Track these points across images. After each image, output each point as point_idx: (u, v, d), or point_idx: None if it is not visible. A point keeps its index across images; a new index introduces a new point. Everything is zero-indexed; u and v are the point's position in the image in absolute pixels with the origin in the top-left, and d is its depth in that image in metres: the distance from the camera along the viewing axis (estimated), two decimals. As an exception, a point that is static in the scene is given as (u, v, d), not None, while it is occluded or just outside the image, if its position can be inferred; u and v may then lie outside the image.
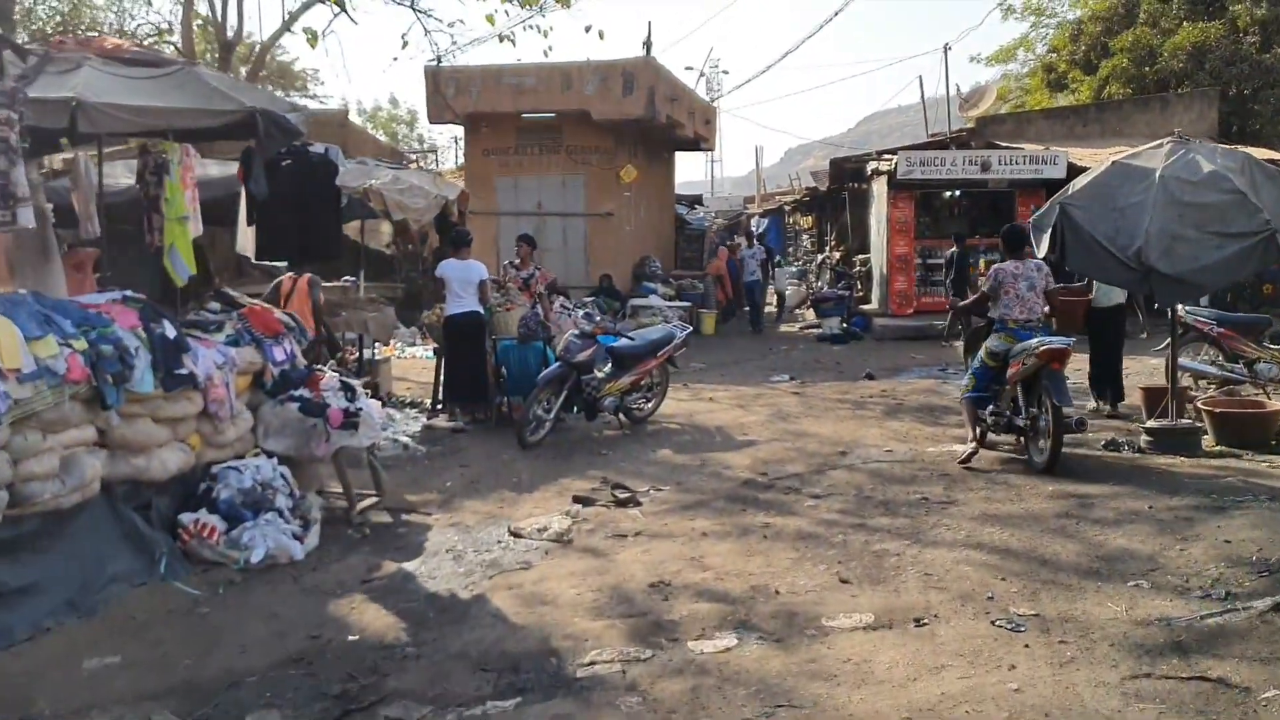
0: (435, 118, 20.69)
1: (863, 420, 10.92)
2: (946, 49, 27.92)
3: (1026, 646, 4.74)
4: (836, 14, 26.34)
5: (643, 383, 10.92)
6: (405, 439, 10.33)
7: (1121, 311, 10.26)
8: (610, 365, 10.68)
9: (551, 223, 20.94)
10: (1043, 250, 9.07)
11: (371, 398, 11.44)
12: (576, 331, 10.24)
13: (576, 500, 7.86)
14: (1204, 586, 5.36)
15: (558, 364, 10.13)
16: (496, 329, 11.54)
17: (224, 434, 7.17)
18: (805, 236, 34.66)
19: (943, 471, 8.43)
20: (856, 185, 24.90)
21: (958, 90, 27.79)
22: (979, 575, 5.75)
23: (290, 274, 11.33)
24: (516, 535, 7.02)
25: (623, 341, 10.56)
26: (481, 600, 5.80)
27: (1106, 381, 10.49)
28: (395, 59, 34.44)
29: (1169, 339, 11.27)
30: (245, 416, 7.45)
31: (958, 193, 21.64)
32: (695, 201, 30.38)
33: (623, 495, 7.91)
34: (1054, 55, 30.79)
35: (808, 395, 12.79)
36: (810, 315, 23.89)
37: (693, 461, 9.21)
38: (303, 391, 7.60)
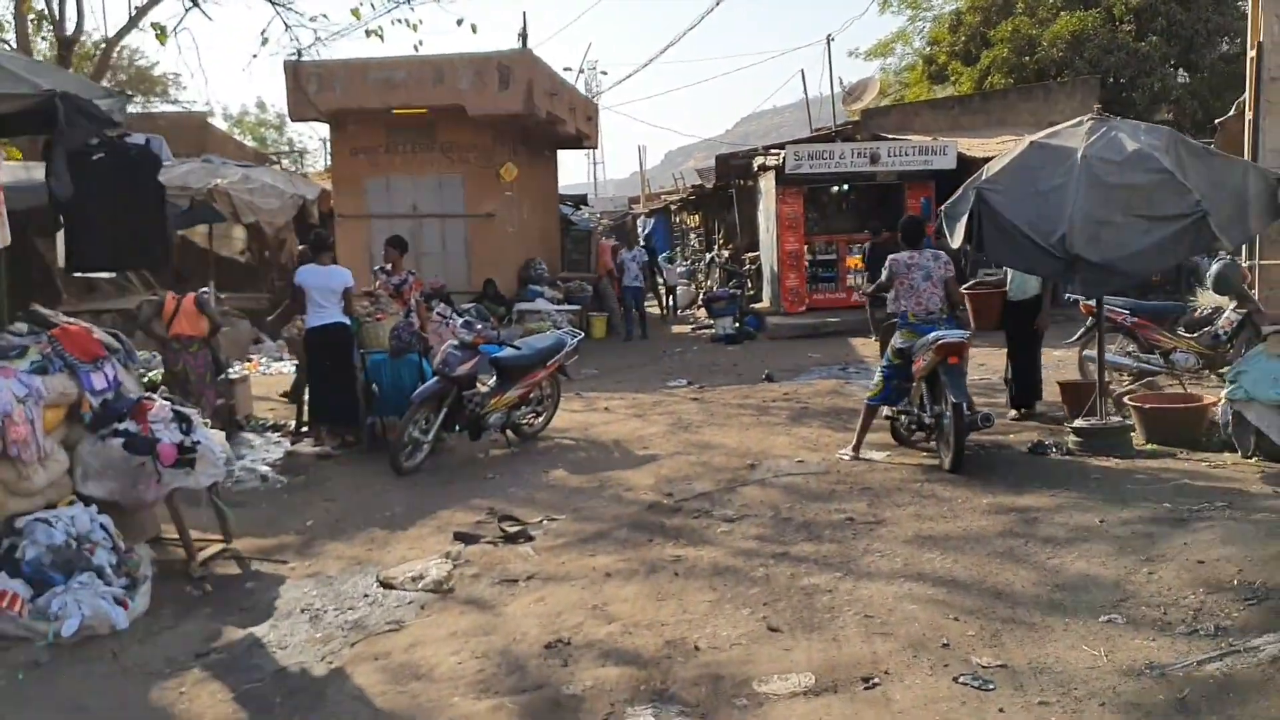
0: (297, 115, 19.30)
1: (769, 428, 10.14)
2: (829, 40, 27.64)
3: (1001, 711, 3.95)
4: (719, 3, 25.61)
5: (532, 396, 9.97)
6: (263, 468, 9.20)
7: (1039, 305, 9.65)
8: (495, 378, 9.71)
9: (429, 225, 19.79)
10: (957, 240, 8.41)
11: (228, 421, 10.38)
12: (455, 342, 9.23)
13: (459, 538, 6.87)
14: (1186, 620, 4.66)
15: (435, 379, 9.11)
16: (366, 341, 10.44)
17: (30, 480, 5.99)
18: (693, 235, 34.03)
19: (863, 484, 7.68)
20: (743, 182, 24.30)
21: (841, 83, 27.46)
22: (927, 615, 4.96)
23: (171, 292, 10.11)
24: (387, 586, 6.00)
25: (508, 352, 9.58)
26: (341, 676, 4.78)
27: (1025, 381, 9.85)
28: (255, 56, 32.75)
29: (1081, 330, 10.85)
30: (59, 457, 6.27)
31: (846, 187, 21.18)
32: (580, 201, 29.47)
33: (512, 529, 6.95)
34: (934, 48, 30.74)
35: (708, 401, 11.99)
36: (702, 315, 23.22)
37: (590, 483, 8.29)
38: (128, 425, 6.44)
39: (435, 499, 8.06)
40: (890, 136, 21.09)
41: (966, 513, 6.71)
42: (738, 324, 19.78)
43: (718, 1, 29.10)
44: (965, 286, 10.09)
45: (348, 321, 10.17)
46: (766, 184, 20.98)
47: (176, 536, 6.67)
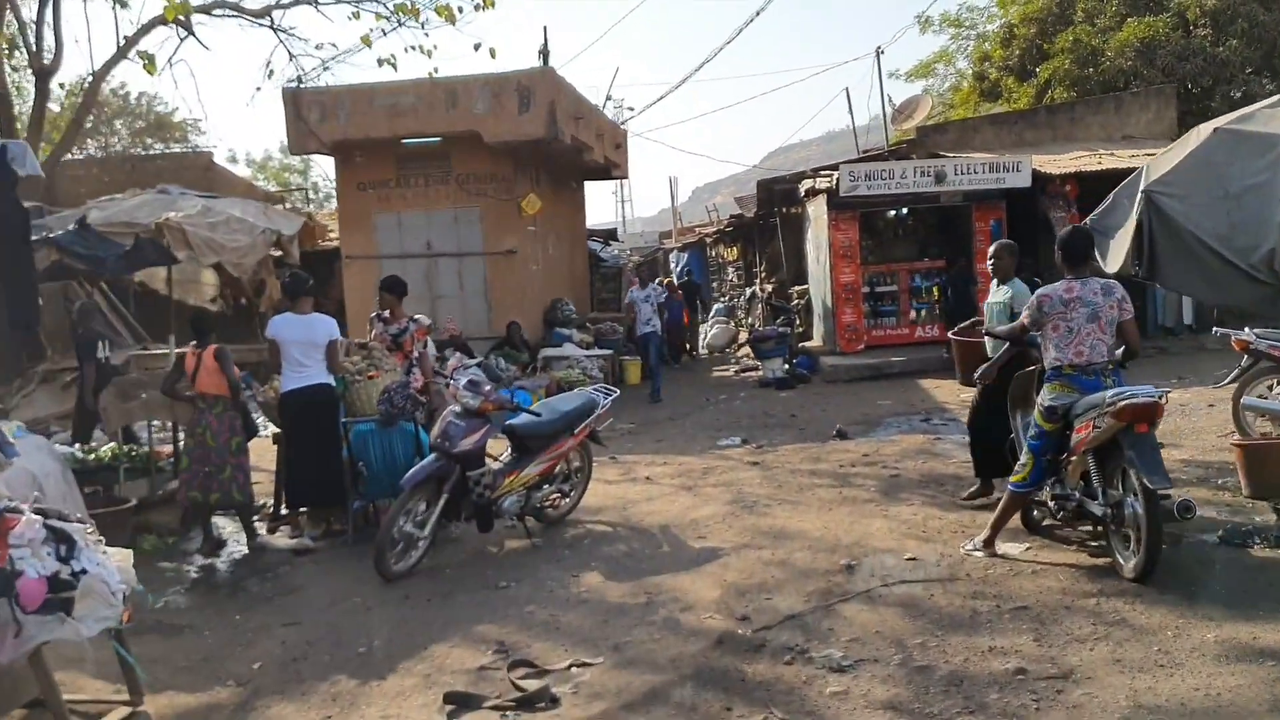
0: (298, 148, 17.51)
1: (857, 506, 8.05)
2: (879, 53, 25.49)
3: None
4: (758, 14, 23.72)
5: (557, 471, 7.95)
6: (222, 565, 7.23)
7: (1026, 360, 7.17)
8: (509, 451, 7.72)
9: (445, 264, 17.90)
10: (1115, 263, 6.42)
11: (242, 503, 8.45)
12: (457, 408, 7.23)
13: (452, 701, 4.82)
14: None
15: (432, 456, 7.11)
16: (356, 406, 8.51)
17: None
18: (730, 270, 32.04)
19: (1013, 600, 5.58)
20: (788, 209, 22.33)
21: (890, 101, 25.46)
22: None
23: (192, 346, 8.27)
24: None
25: (524, 419, 7.56)
26: None
27: (994, 449, 7.48)
28: (259, 89, 31.09)
29: (1235, 371, 8.72)
30: None
31: (904, 211, 19.18)
32: (610, 236, 27.58)
33: (528, 683, 4.90)
34: (985, 64, 28.73)
35: (771, 466, 9.92)
36: (744, 356, 21.20)
37: (634, 596, 6.23)
38: (-28, 553, 4.49)
39: (429, 622, 6.02)
40: (951, 155, 19.05)
41: (1190, 657, 4.60)
42: (788, 366, 17.74)
43: (757, 13, 27.10)
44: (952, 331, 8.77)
45: (332, 382, 8.26)
46: (816, 210, 18.99)
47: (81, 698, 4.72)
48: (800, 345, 19.14)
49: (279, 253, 9.27)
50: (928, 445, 10.35)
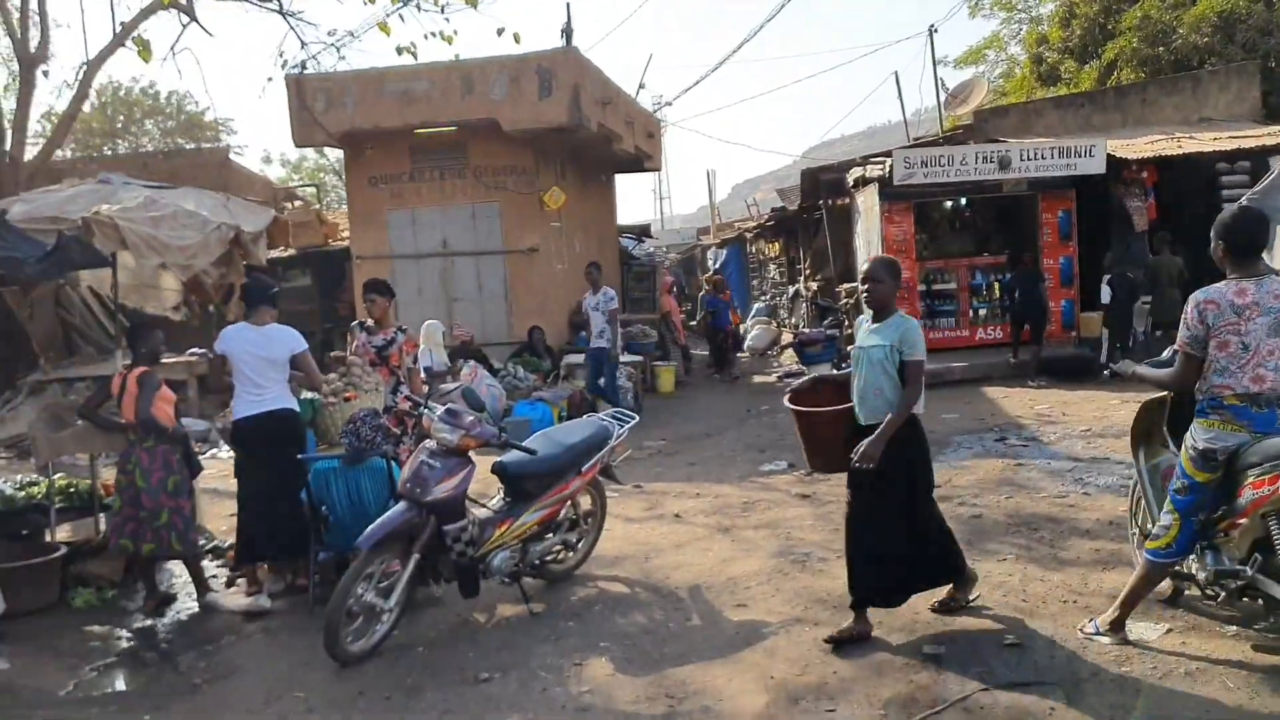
0: (303, 139, 16.18)
1: (932, 557, 6.50)
2: (932, 32, 23.75)
3: None
4: None
5: (561, 516, 6.47)
6: (164, 629, 5.83)
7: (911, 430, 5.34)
8: (501, 495, 6.25)
9: (462, 264, 16.50)
10: (1287, 253, 4.77)
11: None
12: (431, 444, 5.77)
13: None
14: None
15: (401, 506, 5.65)
16: (331, 433, 7.09)
17: None
18: (772, 266, 30.41)
19: (1167, 714, 4.04)
20: (835, 201, 20.72)
21: (943, 85, 23.80)
22: None
23: (124, 366, 6.96)
24: None
25: (515, 456, 6.07)
26: None
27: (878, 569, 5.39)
28: (270, 79, 29.74)
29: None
30: None
31: (964, 201, 17.53)
32: (643, 233, 26.02)
33: None
34: (1043, 46, 26.92)
35: (824, 500, 8.38)
36: (786, 360, 19.66)
37: (650, 699, 4.74)
38: None
39: (381, 737, 4.58)
40: (1014, 140, 17.37)
41: None
42: (837, 372, 16.14)
43: None
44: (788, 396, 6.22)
45: (295, 407, 6.85)
46: (866, 200, 17.39)
47: None
48: (849, 348, 17.55)
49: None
50: (1009, 473, 8.76)
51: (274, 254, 17.88)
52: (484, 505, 6.15)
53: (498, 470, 6.05)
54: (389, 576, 5.62)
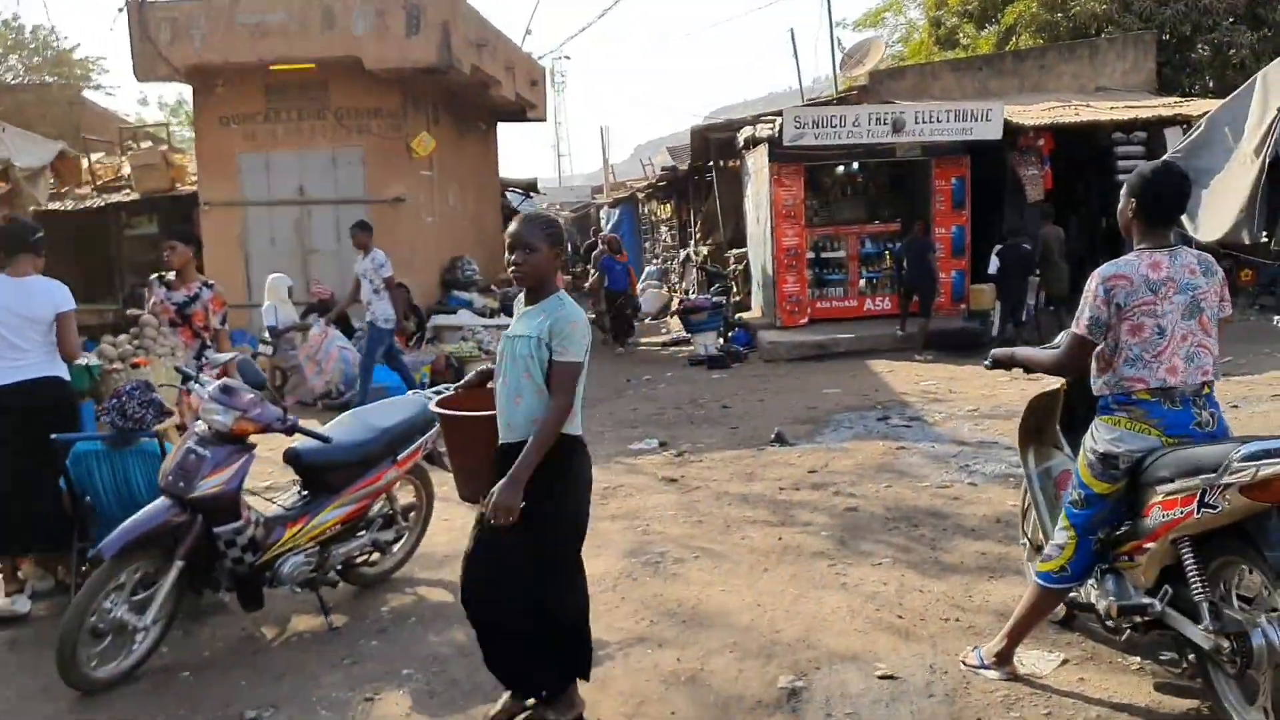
0: (145, 73, 14.67)
1: (802, 561, 5.72)
2: (828, -11, 23.06)
3: None
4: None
5: (373, 512, 5.52)
6: None
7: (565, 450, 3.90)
8: (296, 489, 5.27)
9: (320, 214, 15.25)
10: (1215, 229, 4.13)
11: None
12: (201, 430, 4.76)
13: None
14: None
15: (161, 502, 4.63)
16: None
17: None
18: (664, 229, 29.59)
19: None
20: (726, 163, 19.95)
21: (839, 45, 23.14)
22: None
23: None
24: None
25: (307, 443, 5.07)
26: None
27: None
28: (121, 10, 27.65)
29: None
30: None
31: (855, 166, 16.90)
32: (530, 188, 24.93)
33: None
34: (941, 10, 26.43)
35: (691, 484, 7.57)
36: (675, 326, 18.87)
37: (448, 749, 3.87)
38: None
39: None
40: (908, 103, 16.76)
41: None
42: (723, 341, 15.46)
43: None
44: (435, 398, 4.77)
45: (63, 374, 5.75)
46: (756, 162, 16.65)
47: None
48: (737, 317, 16.86)
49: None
50: (889, 457, 8.06)
51: (115, 197, 16.42)
52: (273, 500, 5.15)
53: (290, 459, 5.07)
54: (150, 585, 4.61)
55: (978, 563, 5.50)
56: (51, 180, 6.34)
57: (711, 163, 20.01)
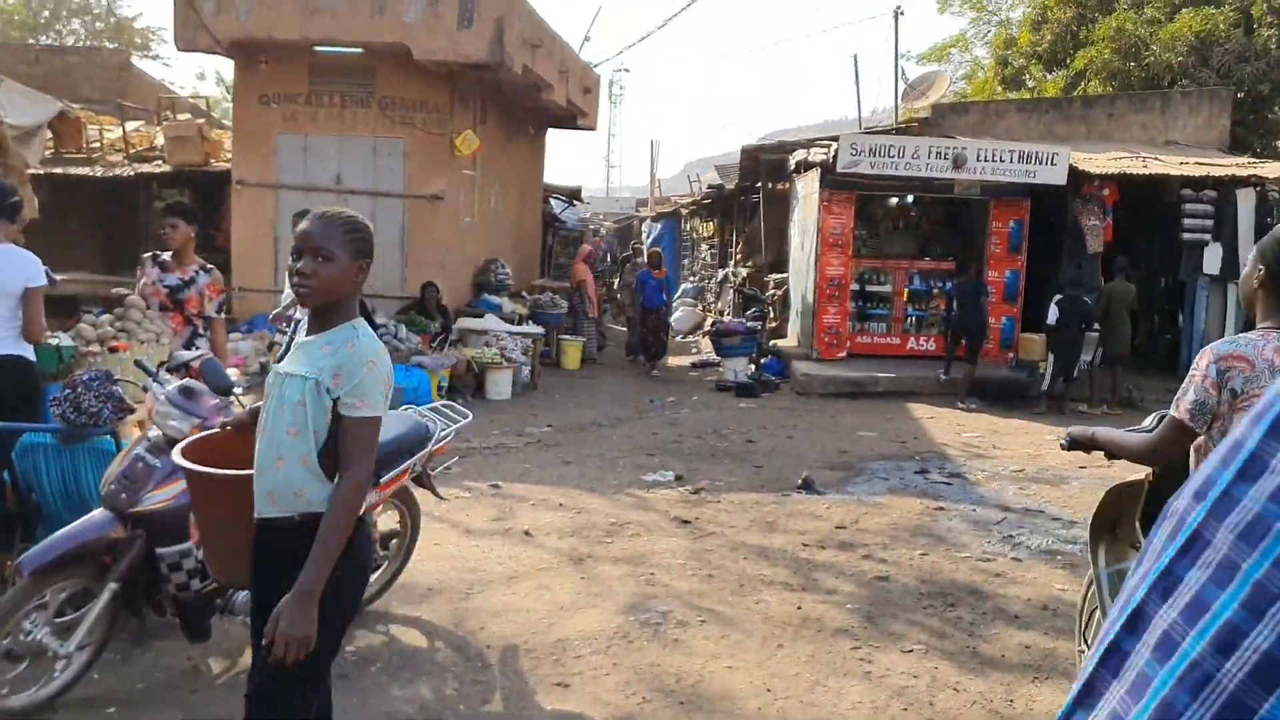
0: (186, 43, 14.28)
1: (822, 639, 5.09)
2: (898, 13, 22.42)
3: None
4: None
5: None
6: None
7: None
8: None
9: (357, 204, 14.73)
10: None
11: None
12: (152, 436, 4.21)
13: None
14: None
15: (98, 514, 4.08)
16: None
17: None
18: (704, 247, 29.02)
19: None
20: (774, 185, 19.35)
21: (903, 75, 22.49)
22: None
23: None
24: None
25: None
26: None
27: None
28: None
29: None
30: None
31: (909, 199, 16.28)
32: (573, 196, 24.41)
33: None
34: (1010, 49, 25.72)
35: (705, 530, 6.96)
36: (707, 347, 18.28)
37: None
38: None
39: None
40: (971, 140, 16.10)
41: None
42: (754, 368, 14.85)
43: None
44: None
45: (28, 354, 5.25)
46: (806, 187, 16.03)
47: None
48: (771, 344, 16.23)
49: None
50: (927, 519, 7.42)
51: (146, 168, 16.04)
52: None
53: (257, 474, 4.52)
54: (80, 605, 4.07)
55: (1021, 658, 4.86)
56: (49, 141, 5.89)
57: (759, 184, 19.43)
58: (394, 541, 5.27)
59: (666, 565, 6.11)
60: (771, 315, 17.44)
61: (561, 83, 17.06)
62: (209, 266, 6.45)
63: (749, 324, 15.40)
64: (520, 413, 11.60)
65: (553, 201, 22.97)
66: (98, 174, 15.55)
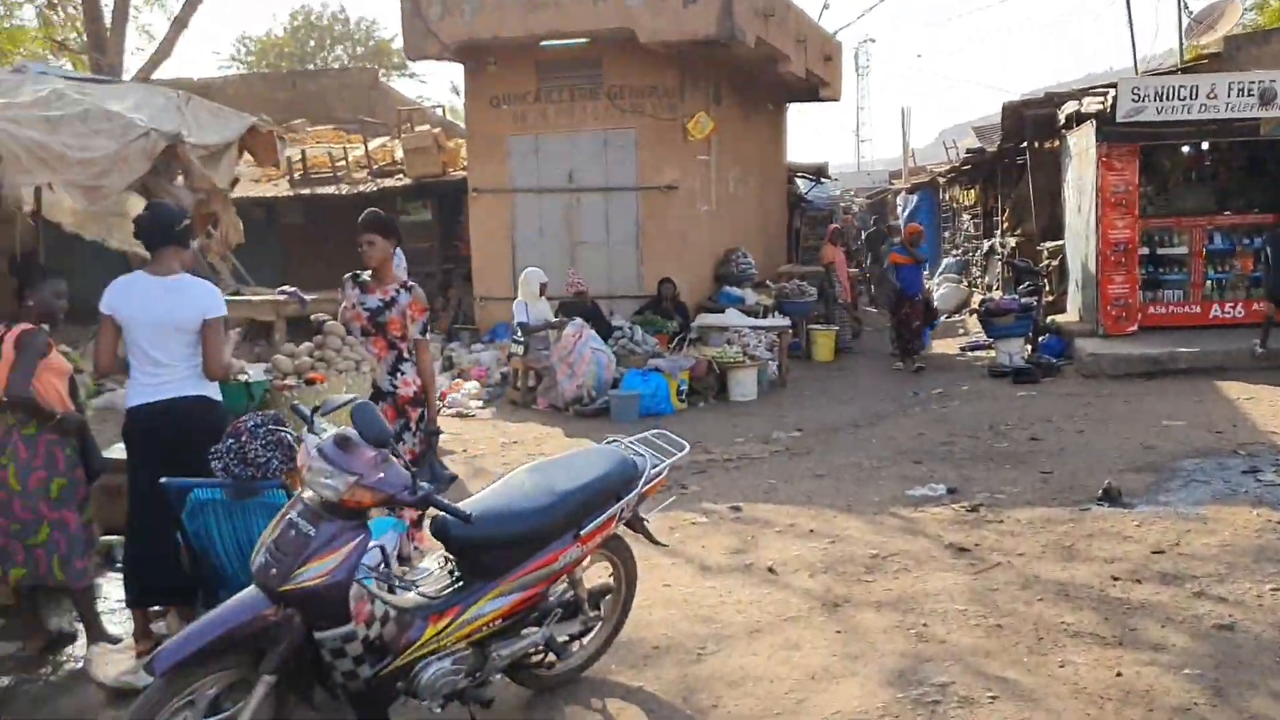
0: (415, 51, 14.19)
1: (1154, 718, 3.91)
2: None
3: None
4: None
5: (553, 597, 4.18)
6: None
7: None
8: (444, 569, 3.98)
9: (590, 201, 14.26)
10: None
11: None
12: (304, 502, 3.54)
13: None
14: None
15: (248, 594, 3.46)
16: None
17: None
18: (966, 216, 27.05)
19: None
20: (1042, 144, 17.48)
21: (1186, 8, 19.94)
22: None
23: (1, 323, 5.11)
24: None
25: (447, 518, 3.77)
26: None
27: None
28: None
29: None
30: None
31: (1204, 147, 14.21)
32: (819, 173, 23.11)
33: None
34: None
35: (986, 559, 5.81)
36: (973, 326, 16.76)
37: None
38: None
39: None
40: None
41: None
42: (1031, 349, 13.32)
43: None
44: None
45: (212, 394, 4.82)
46: (1080, 142, 14.25)
47: None
48: (1049, 321, 14.57)
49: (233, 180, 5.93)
50: (1271, 536, 5.95)
51: (388, 183, 16.16)
52: (408, 580, 3.87)
53: (438, 533, 3.79)
54: (225, 711, 3.47)
55: None
56: (239, 160, 5.58)
57: (1025, 143, 17.62)
58: (606, 599, 4.46)
59: (942, 612, 5.03)
60: (1047, 288, 15.72)
61: (799, 52, 15.97)
62: (410, 284, 5.86)
63: (1023, 300, 13.83)
64: (766, 415, 10.67)
65: (798, 181, 21.85)
66: (343, 191, 15.78)
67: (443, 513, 3.61)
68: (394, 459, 3.50)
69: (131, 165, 5.04)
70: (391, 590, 3.72)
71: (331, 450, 3.44)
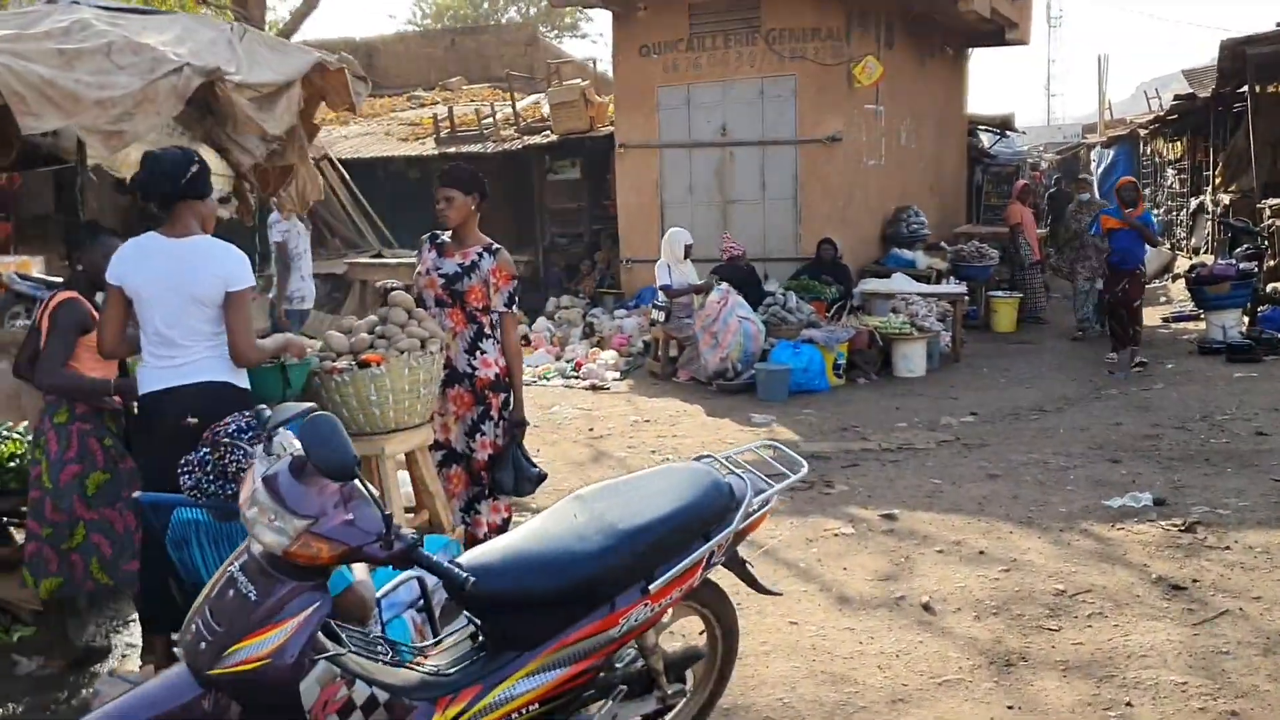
0: (561, -2, 13.35)
1: None
2: None
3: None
4: None
5: (619, 665, 3.16)
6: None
7: None
8: (465, 635, 3.01)
9: (744, 156, 13.07)
10: None
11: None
12: (246, 558, 2.58)
13: None
14: None
15: (174, 672, 2.54)
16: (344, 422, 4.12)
17: None
18: (1170, 172, 24.52)
19: None
20: (1265, 87, 15.33)
21: None
22: None
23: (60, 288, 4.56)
24: None
25: (481, 562, 2.75)
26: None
27: None
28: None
29: None
30: None
31: None
32: (1005, 126, 21.17)
33: None
34: None
35: (1215, 608, 4.50)
36: (1179, 293, 14.91)
37: None
38: None
39: None
40: None
41: None
42: (1250, 322, 11.54)
43: None
44: None
45: (239, 381, 4.02)
46: (1319, 81, 12.22)
47: None
48: (1271, 289, 12.66)
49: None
50: None
51: (535, 140, 15.34)
52: (419, 655, 2.90)
53: (448, 586, 2.81)
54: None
55: None
56: (299, 104, 4.79)
57: (1245, 87, 15.46)
58: (697, 665, 3.40)
59: (1151, 685, 3.79)
60: (1270, 252, 13.70)
61: (983, -10, 14.29)
62: (495, 246, 4.93)
63: (1240, 265, 11.98)
64: (935, 395, 9.39)
65: (980, 134, 20.03)
66: (488, 150, 15.09)
67: (431, 574, 2.62)
68: (365, 493, 2.52)
69: (160, 106, 4.26)
70: (393, 657, 2.76)
71: (284, 482, 2.49)
